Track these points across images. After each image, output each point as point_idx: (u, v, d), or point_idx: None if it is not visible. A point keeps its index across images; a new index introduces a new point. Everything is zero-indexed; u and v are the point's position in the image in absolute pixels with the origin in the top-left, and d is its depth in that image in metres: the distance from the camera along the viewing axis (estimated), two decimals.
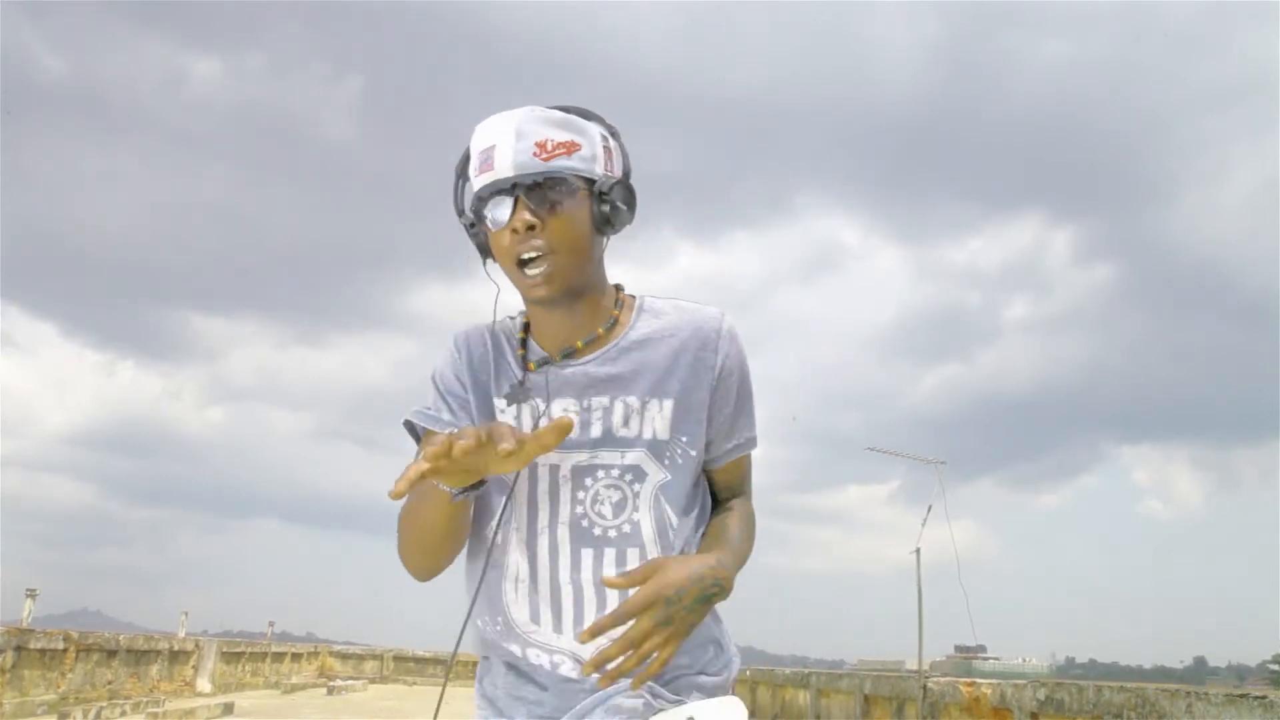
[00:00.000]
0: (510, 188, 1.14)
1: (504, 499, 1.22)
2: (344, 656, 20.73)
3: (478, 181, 1.17)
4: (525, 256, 1.15)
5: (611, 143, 1.22)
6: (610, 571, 1.19)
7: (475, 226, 1.21)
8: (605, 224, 1.19)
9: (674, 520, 1.22)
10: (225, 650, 14.75)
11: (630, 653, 1.07)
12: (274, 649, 17.54)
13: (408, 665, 21.06)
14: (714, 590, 1.12)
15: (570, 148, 1.16)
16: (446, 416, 1.25)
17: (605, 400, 1.21)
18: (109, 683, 10.95)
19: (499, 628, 1.23)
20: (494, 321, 1.30)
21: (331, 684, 16.41)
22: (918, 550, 8.25)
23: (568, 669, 1.20)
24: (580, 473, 1.21)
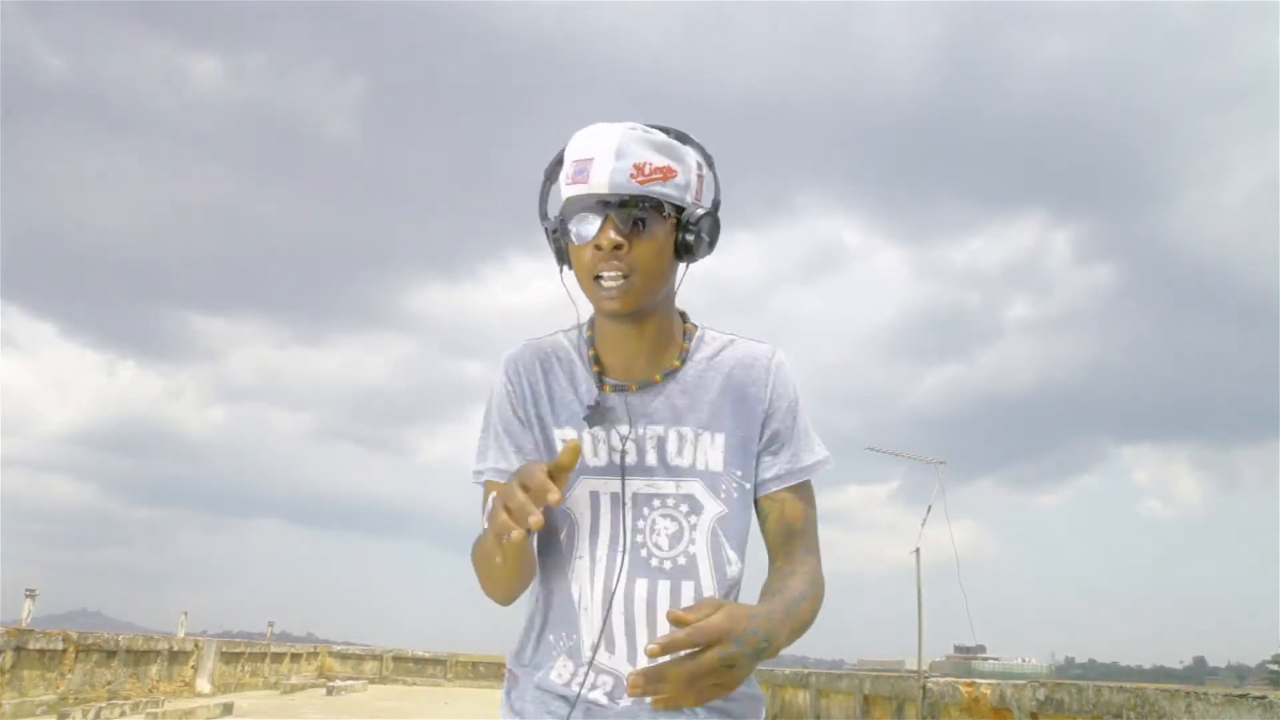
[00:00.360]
0: (601, 204, 1.14)
1: (568, 526, 1.23)
2: (343, 657, 20.74)
3: (569, 190, 1.17)
4: (606, 275, 1.15)
5: (705, 171, 1.23)
6: (663, 604, 1.18)
7: (557, 232, 1.21)
8: (687, 252, 1.20)
9: (731, 556, 1.22)
10: (225, 650, 14.75)
11: (686, 678, 0.99)
12: (273, 649, 17.53)
13: (407, 666, 21.06)
14: (764, 646, 1.03)
15: (667, 173, 1.16)
16: (511, 464, 1.23)
17: (660, 429, 1.22)
18: (108, 683, 10.94)
19: (570, 642, 1.23)
20: (552, 336, 1.31)
21: (331, 684, 16.41)
22: (917, 550, 8.25)
23: (599, 695, 1.20)
24: (638, 501, 1.21)
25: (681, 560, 1.20)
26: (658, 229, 1.16)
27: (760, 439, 1.24)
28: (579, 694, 1.20)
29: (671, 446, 1.22)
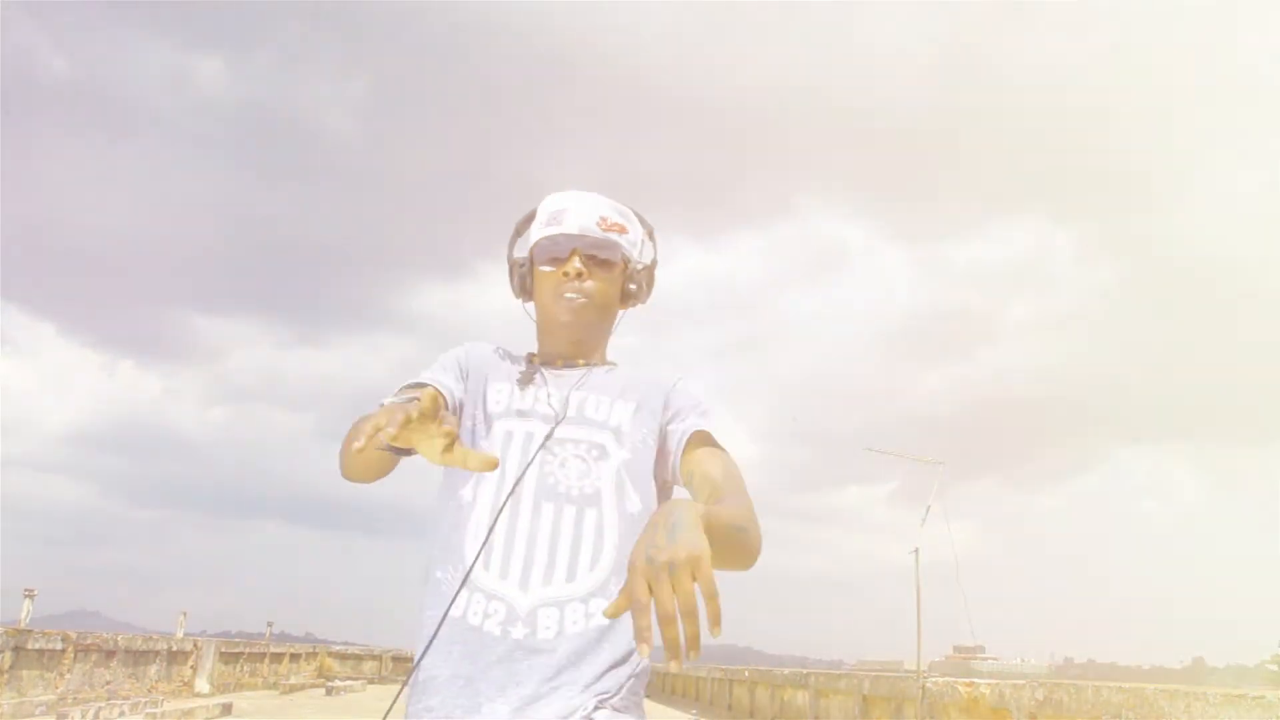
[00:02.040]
0: (570, 242, 1.45)
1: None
2: (343, 657, 20.73)
3: (544, 231, 1.47)
4: (568, 293, 1.44)
5: (648, 240, 1.56)
6: (568, 528, 1.30)
7: (524, 268, 1.50)
8: (627, 298, 1.52)
9: (632, 495, 1.36)
10: (224, 651, 14.74)
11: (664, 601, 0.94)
12: (272, 649, 17.52)
13: (406, 666, 21.03)
14: (689, 515, 0.99)
15: (621, 229, 1.49)
16: (449, 381, 1.42)
17: (581, 394, 1.44)
18: (107, 683, 10.94)
19: (451, 573, 1.30)
20: (507, 346, 1.54)
21: (330, 684, 16.40)
22: (916, 550, 8.26)
23: (495, 623, 1.25)
24: (551, 443, 1.37)
25: (589, 489, 1.34)
26: (612, 270, 1.48)
27: (664, 414, 1.44)
28: (483, 631, 1.24)
29: (590, 406, 1.42)
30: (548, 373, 1.46)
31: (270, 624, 20.81)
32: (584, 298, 1.44)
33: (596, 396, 1.44)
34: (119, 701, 10.38)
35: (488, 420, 1.41)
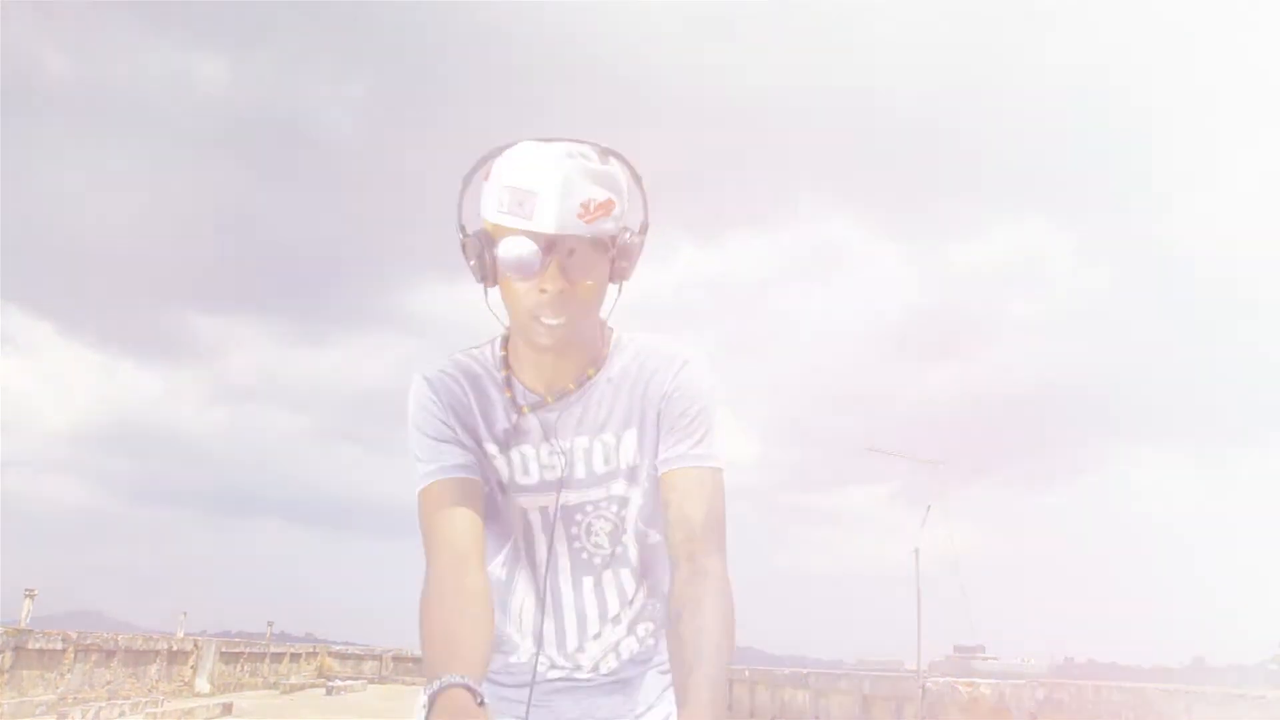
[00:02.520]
0: (546, 244, 1.10)
1: (507, 542, 1.31)
2: (343, 657, 20.72)
3: (507, 220, 1.12)
4: (546, 316, 1.14)
5: (634, 188, 1.20)
6: (610, 590, 1.32)
7: (482, 247, 1.16)
8: (620, 277, 1.21)
9: (651, 539, 1.31)
10: (224, 650, 14.74)
11: None
12: (273, 649, 17.53)
13: (406, 666, 21.04)
14: None
15: (608, 207, 1.14)
16: (457, 459, 1.23)
17: (585, 441, 1.27)
18: (107, 683, 10.94)
19: (500, 660, 1.35)
20: (469, 353, 1.30)
21: (330, 684, 16.40)
22: (916, 550, 8.25)
23: (544, 668, 1.33)
24: (570, 510, 1.28)
25: (619, 551, 1.30)
26: (599, 267, 1.16)
27: (661, 427, 1.25)
28: (534, 679, 1.30)
29: (597, 457, 1.26)
30: (540, 416, 1.25)
31: (270, 624, 20.80)
32: (567, 317, 1.15)
33: (602, 439, 1.26)
34: (119, 701, 10.38)
35: (502, 487, 1.28)
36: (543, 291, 1.13)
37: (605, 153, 1.17)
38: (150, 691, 11.96)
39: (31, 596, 10.52)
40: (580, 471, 1.26)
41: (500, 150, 1.16)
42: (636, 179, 1.21)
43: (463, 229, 1.19)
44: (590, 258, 1.14)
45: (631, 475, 1.27)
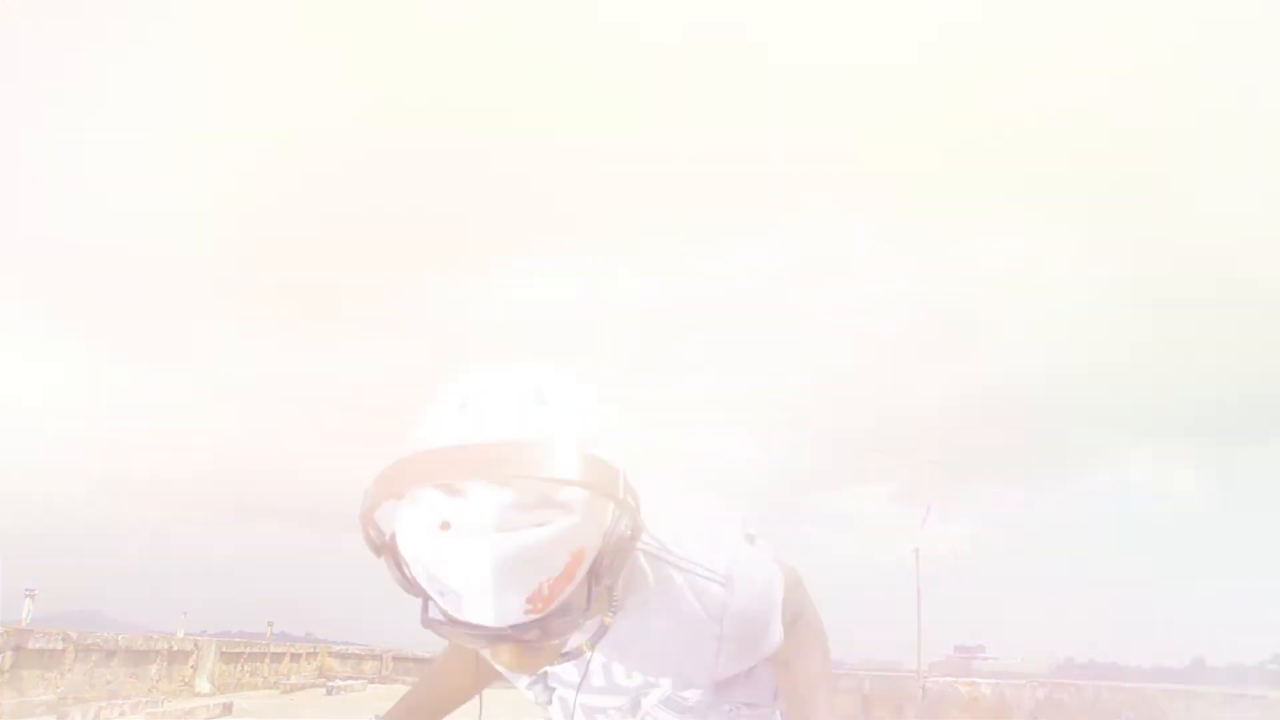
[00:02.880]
0: (495, 634, 0.81)
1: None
2: (343, 656, 20.69)
3: (437, 595, 0.81)
4: (500, 668, 1.06)
5: (611, 485, 0.81)
6: None
7: (403, 568, 0.83)
8: (600, 578, 0.84)
9: (688, 695, 1.17)
10: (224, 650, 14.74)
11: None
12: (273, 649, 17.53)
13: (407, 666, 21.02)
14: None
15: (570, 572, 0.79)
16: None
17: (603, 658, 1.10)
18: (108, 683, 10.95)
19: None
20: None
21: (331, 684, 16.40)
22: (917, 550, 8.25)
23: None
24: (592, 713, 1.20)
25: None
26: (571, 616, 0.82)
27: (714, 668, 1.04)
28: None
29: (619, 672, 1.11)
30: (544, 692, 1.17)
31: (271, 623, 20.76)
32: (526, 660, 0.88)
33: (618, 703, 1.17)
34: (119, 701, 10.38)
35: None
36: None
37: (545, 403, 0.82)
38: (150, 691, 11.97)
39: (32, 596, 10.53)
40: (597, 678, 1.14)
41: (401, 468, 0.83)
42: (609, 484, 0.81)
43: (378, 550, 0.87)
44: (554, 625, 0.82)
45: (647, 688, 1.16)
